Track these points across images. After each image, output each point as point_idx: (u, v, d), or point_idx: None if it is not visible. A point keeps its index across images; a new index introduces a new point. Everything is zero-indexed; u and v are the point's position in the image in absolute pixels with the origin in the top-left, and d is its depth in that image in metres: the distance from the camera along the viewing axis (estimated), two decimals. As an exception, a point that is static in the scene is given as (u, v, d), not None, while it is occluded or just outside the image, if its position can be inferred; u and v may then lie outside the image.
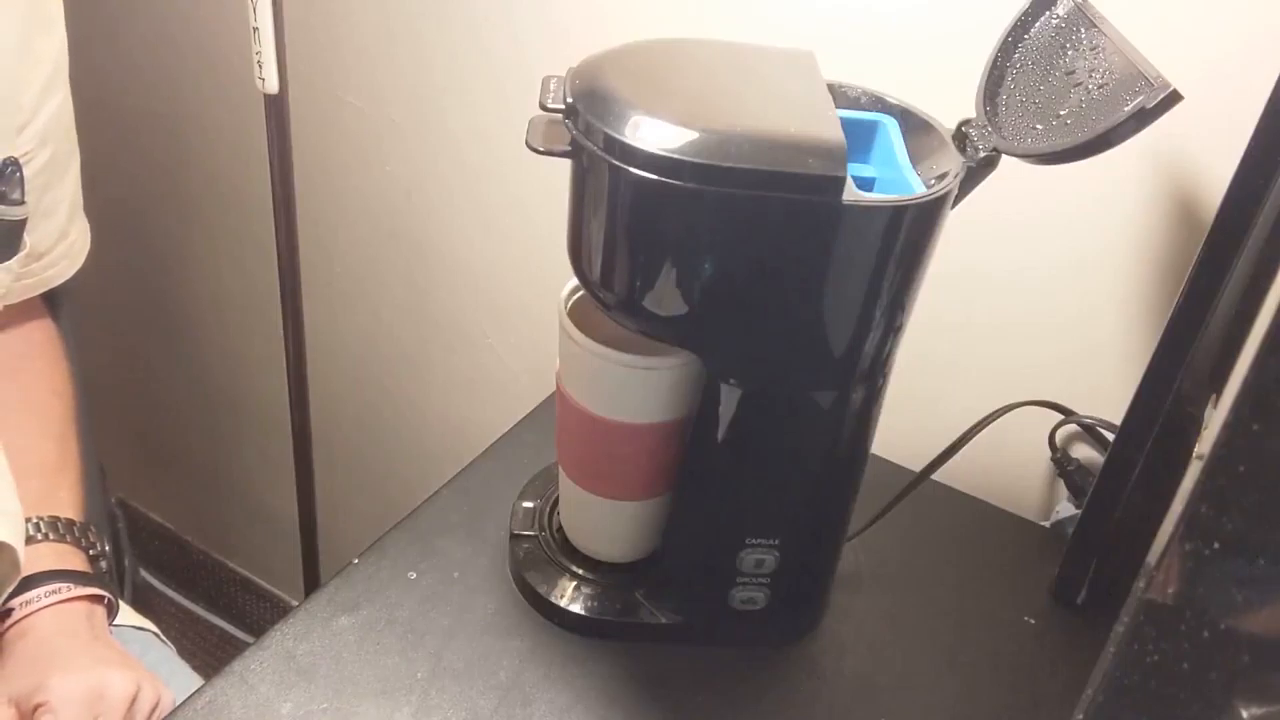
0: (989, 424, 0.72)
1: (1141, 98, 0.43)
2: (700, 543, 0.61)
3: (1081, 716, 0.37)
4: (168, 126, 1.19)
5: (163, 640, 0.81)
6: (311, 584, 1.25)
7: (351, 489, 1.29)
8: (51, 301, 0.76)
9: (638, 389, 0.57)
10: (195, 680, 0.77)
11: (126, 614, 0.80)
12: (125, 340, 1.43)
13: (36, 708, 0.59)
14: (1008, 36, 0.54)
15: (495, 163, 0.95)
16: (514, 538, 0.67)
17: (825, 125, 0.47)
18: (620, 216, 0.49)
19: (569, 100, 0.49)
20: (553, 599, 0.63)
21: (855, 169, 0.52)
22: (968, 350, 0.79)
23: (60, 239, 0.68)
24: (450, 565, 0.67)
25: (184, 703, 0.57)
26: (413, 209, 1.03)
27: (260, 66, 0.87)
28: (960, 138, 0.52)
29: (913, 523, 0.70)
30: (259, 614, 1.54)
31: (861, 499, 0.61)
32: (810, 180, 0.46)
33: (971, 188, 0.52)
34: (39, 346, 0.73)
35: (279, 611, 1.51)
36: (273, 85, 0.88)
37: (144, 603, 0.83)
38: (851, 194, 0.46)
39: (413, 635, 0.62)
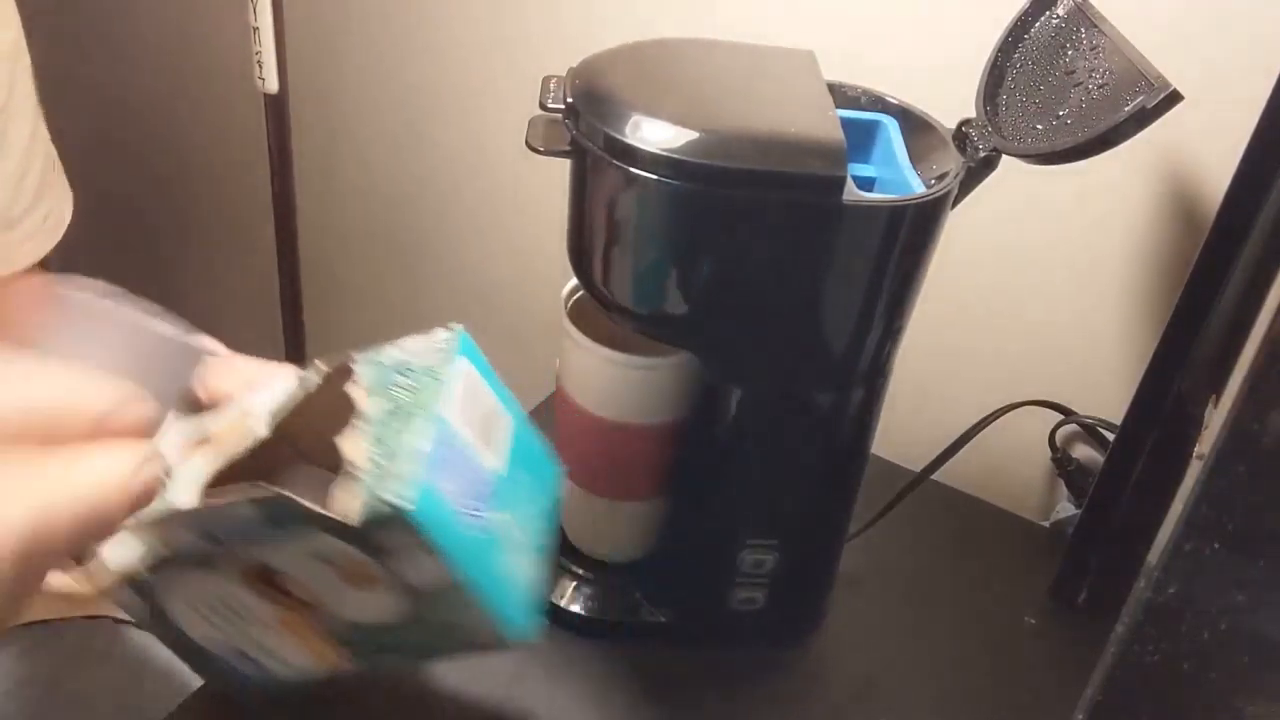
0: (989, 424, 0.72)
1: (1141, 98, 0.43)
2: (700, 543, 0.61)
3: (1081, 716, 0.37)
4: (168, 126, 1.19)
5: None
6: (311, 584, 1.25)
7: (351, 489, 1.29)
8: None
9: (638, 389, 0.57)
10: (195, 680, 0.77)
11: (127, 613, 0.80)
12: (125, 340, 1.43)
13: None
14: (1008, 36, 0.54)
15: (495, 163, 0.95)
16: (514, 538, 0.67)
17: (825, 125, 0.47)
18: (620, 216, 0.49)
19: (569, 100, 0.49)
20: (553, 599, 0.63)
21: (855, 169, 0.52)
22: (968, 350, 0.79)
23: (29, 211, 0.64)
24: (450, 565, 0.67)
25: (184, 702, 0.57)
26: (412, 209, 1.03)
27: (260, 66, 0.87)
28: (960, 138, 0.52)
29: (913, 523, 0.70)
30: (259, 614, 1.54)
31: (861, 499, 0.61)
32: (810, 180, 0.46)
33: (971, 188, 0.52)
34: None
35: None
36: (273, 85, 0.88)
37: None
38: (852, 194, 0.46)
39: (413, 635, 0.62)
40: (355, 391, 0.42)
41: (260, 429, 0.41)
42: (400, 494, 0.38)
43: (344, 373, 0.43)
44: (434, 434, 0.40)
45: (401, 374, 0.43)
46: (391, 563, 0.40)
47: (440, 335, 0.45)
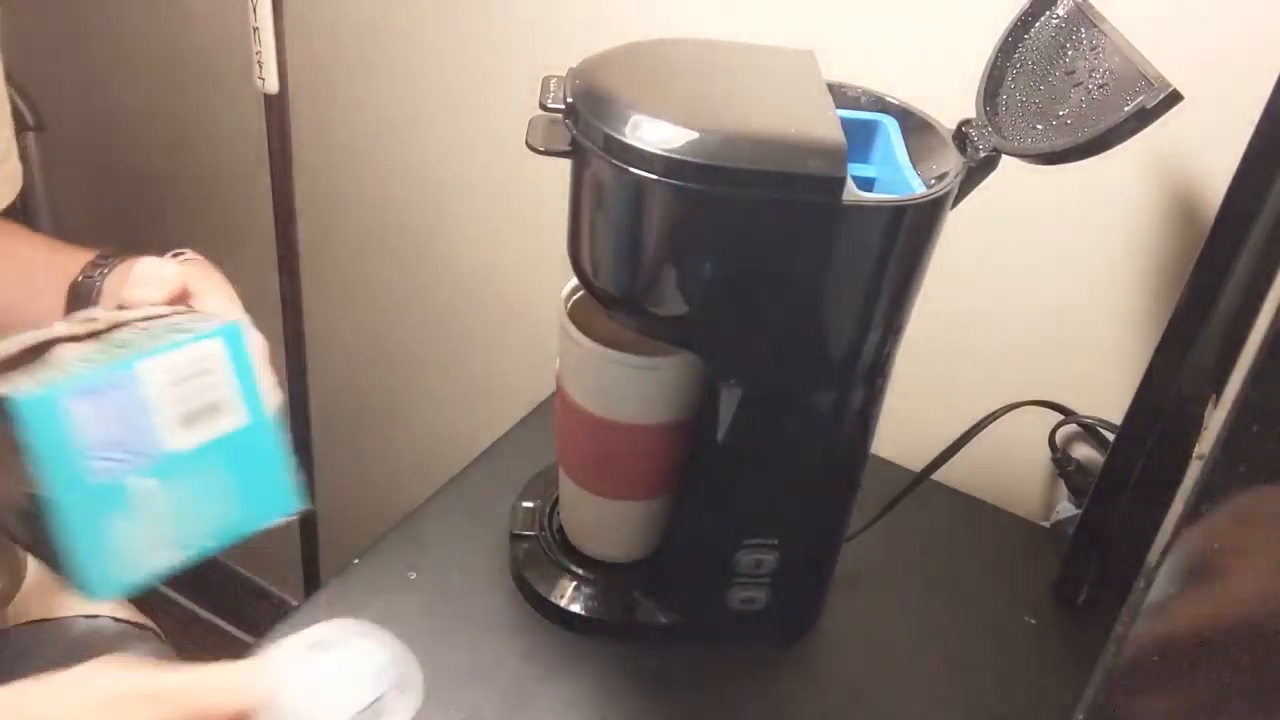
0: (989, 424, 0.72)
1: (1141, 98, 0.43)
2: (700, 543, 0.61)
3: (1081, 716, 0.37)
4: (168, 126, 1.19)
5: (162, 640, 0.81)
6: (311, 584, 1.25)
7: (351, 489, 1.29)
8: None
9: (638, 389, 0.57)
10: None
11: (127, 612, 0.80)
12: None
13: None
14: (1008, 36, 0.54)
15: (495, 162, 0.95)
16: (514, 538, 0.67)
17: (825, 125, 0.47)
18: (620, 216, 0.49)
19: (569, 100, 0.49)
20: (553, 599, 0.63)
21: (855, 169, 0.52)
22: (968, 350, 0.79)
23: (2, 162, 0.71)
24: (450, 565, 0.67)
25: (184, 703, 0.57)
26: (412, 209, 1.03)
27: (260, 66, 0.87)
28: (960, 138, 0.52)
29: (913, 523, 0.70)
30: (259, 614, 1.54)
31: (861, 499, 0.61)
32: (810, 180, 0.46)
33: (971, 188, 0.52)
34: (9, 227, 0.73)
35: (279, 611, 1.51)
36: (273, 85, 0.88)
37: (144, 603, 0.83)
38: (852, 194, 0.46)
39: (412, 635, 0.62)
40: (129, 324, 0.46)
41: (78, 329, 0.46)
42: (19, 387, 0.40)
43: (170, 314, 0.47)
44: (108, 372, 0.43)
45: (161, 329, 0.46)
46: (13, 456, 0.42)
47: (215, 319, 0.47)
